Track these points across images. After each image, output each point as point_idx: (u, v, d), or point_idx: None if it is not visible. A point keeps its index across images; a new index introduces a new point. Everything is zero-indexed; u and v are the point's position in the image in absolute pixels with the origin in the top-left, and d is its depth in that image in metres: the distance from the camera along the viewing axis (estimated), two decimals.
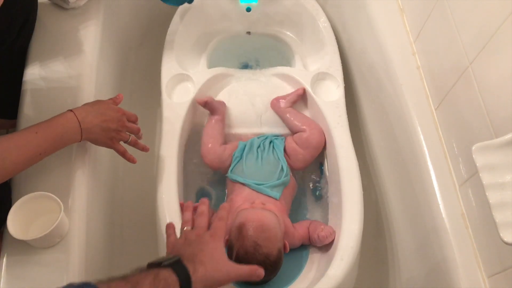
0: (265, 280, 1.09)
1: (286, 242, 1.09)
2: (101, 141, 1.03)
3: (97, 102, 1.03)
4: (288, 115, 1.29)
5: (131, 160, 1.08)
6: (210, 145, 1.25)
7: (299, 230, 1.16)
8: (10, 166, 0.87)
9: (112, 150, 1.06)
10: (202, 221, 0.87)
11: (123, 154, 1.07)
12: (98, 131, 1.00)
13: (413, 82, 1.17)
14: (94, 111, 1.00)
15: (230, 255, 1.06)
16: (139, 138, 1.10)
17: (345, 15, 1.47)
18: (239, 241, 1.05)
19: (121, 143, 1.07)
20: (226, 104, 1.31)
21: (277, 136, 1.31)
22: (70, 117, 0.96)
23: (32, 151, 0.91)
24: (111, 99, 1.07)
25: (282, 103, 1.30)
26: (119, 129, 1.03)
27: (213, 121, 1.28)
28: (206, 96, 1.27)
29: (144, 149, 1.11)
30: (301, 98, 1.31)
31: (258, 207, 1.13)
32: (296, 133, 1.28)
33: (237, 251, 1.04)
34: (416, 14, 1.20)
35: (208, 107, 1.28)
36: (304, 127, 1.26)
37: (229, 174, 1.24)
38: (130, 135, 1.07)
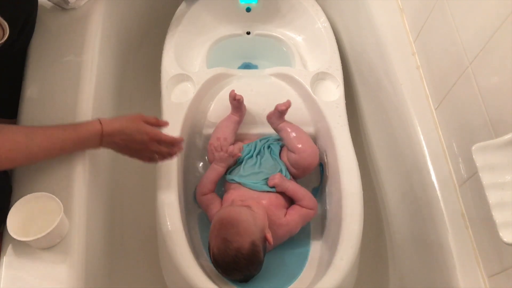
0: (250, 276, 1.09)
1: (268, 235, 1.08)
2: (123, 153, 1.06)
3: (129, 120, 1.03)
4: (282, 132, 1.26)
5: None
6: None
7: (288, 218, 1.16)
8: (34, 148, 0.90)
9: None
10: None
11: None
12: (117, 150, 1.03)
13: (413, 82, 1.17)
14: (121, 132, 1.00)
15: (209, 255, 1.08)
16: (173, 158, 1.12)
17: (345, 15, 1.47)
18: (212, 241, 1.07)
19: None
20: (226, 104, 1.30)
21: (277, 139, 1.30)
22: (96, 128, 0.98)
23: (56, 143, 0.93)
24: (146, 119, 1.05)
25: (275, 119, 1.26)
26: (143, 152, 1.05)
27: (231, 120, 1.28)
28: (240, 95, 1.26)
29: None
30: (288, 108, 1.25)
31: (236, 205, 1.12)
32: (290, 150, 1.25)
33: (212, 249, 1.06)
34: (416, 14, 1.20)
35: (235, 103, 1.26)
36: (295, 149, 1.23)
37: (227, 176, 1.24)
38: (156, 156, 1.08)
